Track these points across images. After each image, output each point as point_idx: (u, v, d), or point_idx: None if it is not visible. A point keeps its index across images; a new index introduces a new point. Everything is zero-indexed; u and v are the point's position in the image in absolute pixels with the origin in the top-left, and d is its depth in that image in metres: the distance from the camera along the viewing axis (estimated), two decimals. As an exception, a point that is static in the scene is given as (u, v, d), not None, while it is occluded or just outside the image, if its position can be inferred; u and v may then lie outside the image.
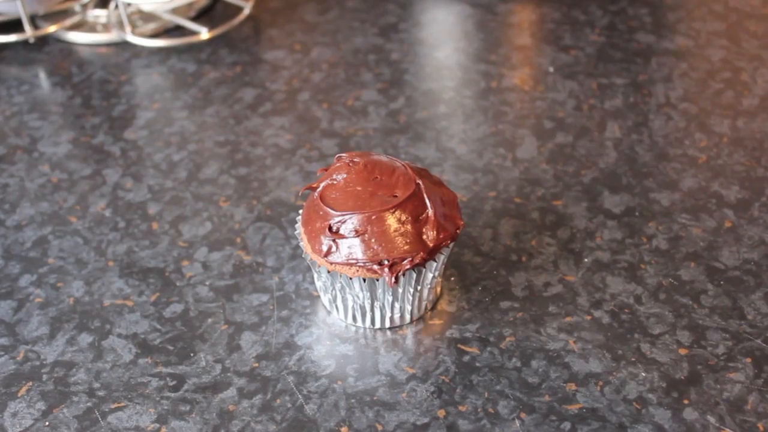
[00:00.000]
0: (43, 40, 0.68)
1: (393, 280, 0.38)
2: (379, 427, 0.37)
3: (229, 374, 0.40)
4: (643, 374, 0.39)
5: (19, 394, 0.39)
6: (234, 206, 0.50)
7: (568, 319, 0.42)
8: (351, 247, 0.38)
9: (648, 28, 0.67)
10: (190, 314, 0.43)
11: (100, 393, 0.39)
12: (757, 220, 0.47)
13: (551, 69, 0.62)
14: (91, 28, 0.68)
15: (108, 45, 0.67)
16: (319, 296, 0.44)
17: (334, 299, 0.41)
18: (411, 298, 0.40)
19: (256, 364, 0.40)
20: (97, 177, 0.53)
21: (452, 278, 0.45)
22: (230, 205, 0.50)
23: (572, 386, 0.39)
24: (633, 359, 0.40)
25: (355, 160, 0.40)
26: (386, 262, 0.38)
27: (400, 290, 0.40)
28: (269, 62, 0.65)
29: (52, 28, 0.67)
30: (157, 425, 0.38)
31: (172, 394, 0.39)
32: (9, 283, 0.45)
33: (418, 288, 0.40)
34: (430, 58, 0.65)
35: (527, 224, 0.48)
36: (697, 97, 0.58)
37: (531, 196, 0.50)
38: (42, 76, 0.64)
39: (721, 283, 0.44)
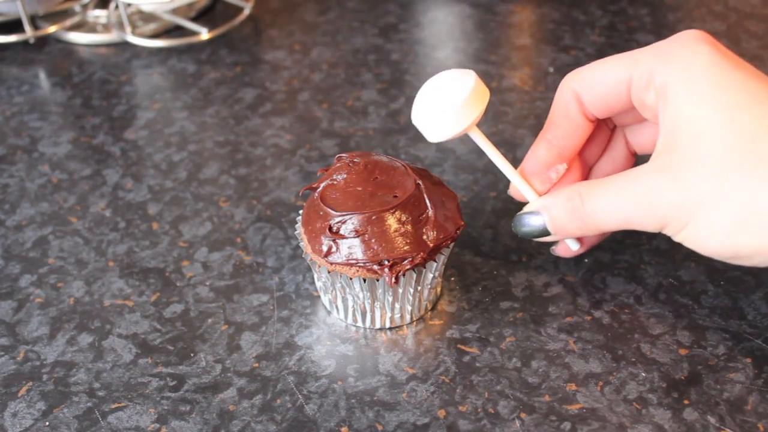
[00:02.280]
0: (43, 41, 0.68)
1: (393, 280, 0.38)
2: (380, 427, 0.37)
3: (229, 374, 0.40)
4: (643, 374, 0.39)
5: (19, 394, 0.39)
6: (234, 206, 0.50)
7: (568, 319, 0.42)
8: (351, 248, 0.38)
9: (648, 28, 0.67)
10: (190, 314, 0.43)
11: (100, 393, 0.39)
12: (757, 220, 0.47)
13: (551, 69, 0.62)
14: (91, 28, 0.68)
15: (108, 45, 0.67)
16: (319, 296, 0.44)
17: (335, 299, 0.41)
18: (411, 298, 0.40)
19: (256, 364, 0.40)
20: (98, 177, 0.53)
21: (452, 278, 0.45)
22: (230, 206, 0.50)
23: (572, 386, 0.39)
24: (633, 359, 0.40)
25: (356, 160, 0.40)
26: (386, 263, 0.38)
27: (400, 290, 0.40)
28: (269, 62, 0.65)
29: (52, 29, 0.67)
30: (157, 425, 0.38)
31: (173, 394, 0.39)
32: (9, 283, 0.45)
33: (419, 288, 0.40)
34: (430, 58, 0.65)
35: (527, 224, 0.48)
36: (697, 97, 0.58)
37: (531, 196, 0.50)
38: (42, 76, 0.64)
39: (721, 283, 0.44)
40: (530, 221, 0.39)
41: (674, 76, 0.35)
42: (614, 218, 0.36)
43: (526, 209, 0.40)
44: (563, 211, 0.38)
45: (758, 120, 0.33)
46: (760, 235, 0.33)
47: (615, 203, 0.36)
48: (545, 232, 0.39)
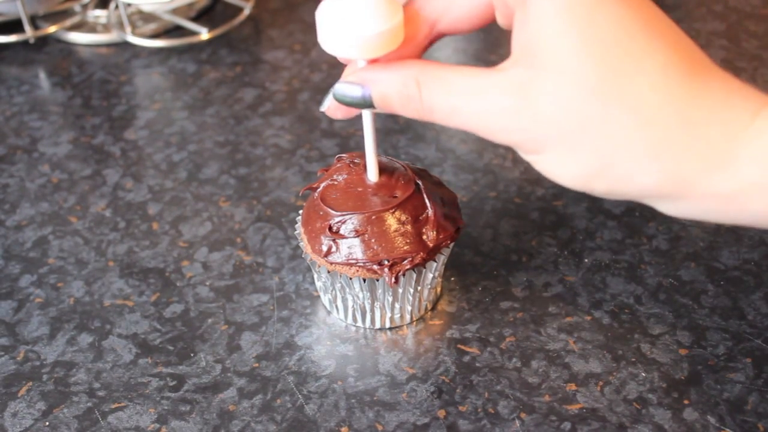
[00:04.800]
0: (43, 41, 0.68)
1: (393, 280, 0.38)
2: (379, 427, 0.37)
3: (229, 374, 0.40)
4: (643, 374, 0.39)
5: (19, 394, 0.39)
6: (234, 206, 0.50)
7: (568, 319, 0.42)
8: (351, 247, 0.38)
9: (648, 28, 0.67)
10: (190, 314, 0.43)
11: (100, 393, 0.39)
12: (757, 220, 0.47)
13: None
14: (91, 28, 0.68)
15: (108, 45, 0.67)
16: (319, 296, 0.44)
17: (334, 299, 0.41)
18: (411, 298, 0.40)
19: (257, 364, 0.40)
20: (97, 177, 0.53)
21: (452, 278, 0.45)
22: (230, 205, 0.50)
23: (572, 386, 0.39)
24: (633, 359, 0.40)
25: (356, 160, 0.40)
26: (386, 262, 0.38)
27: (400, 290, 0.40)
28: (269, 62, 0.65)
29: (52, 29, 0.67)
30: (157, 425, 0.38)
31: (172, 394, 0.39)
32: (9, 283, 0.45)
33: (418, 288, 0.40)
34: (430, 58, 0.65)
35: (527, 224, 0.48)
36: (697, 97, 0.58)
37: (531, 196, 0.50)
38: (42, 76, 0.64)
39: (721, 283, 0.44)
40: (351, 92, 0.34)
41: None
42: (457, 123, 0.32)
43: (348, 77, 0.34)
44: (396, 96, 0.33)
45: (629, 57, 0.29)
46: (614, 182, 0.31)
47: (459, 109, 0.32)
48: (370, 106, 0.34)
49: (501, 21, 0.34)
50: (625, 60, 0.29)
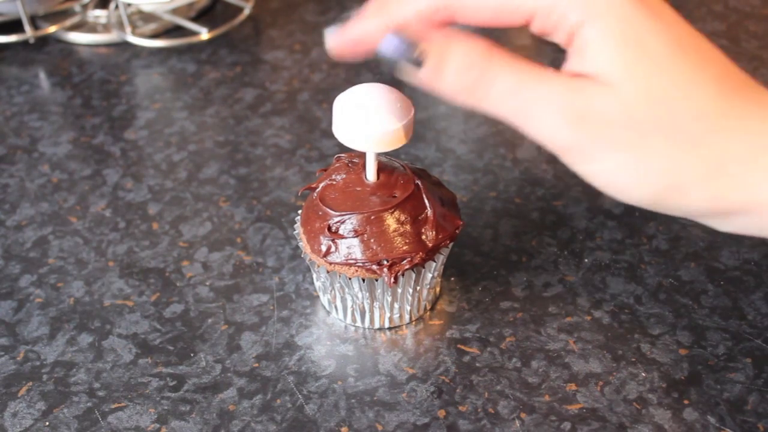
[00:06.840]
0: (43, 41, 0.68)
1: (392, 280, 0.38)
2: (379, 427, 0.37)
3: (229, 374, 0.40)
4: (643, 374, 0.39)
5: (19, 394, 0.39)
6: (234, 206, 0.50)
7: (568, 319, 0.42)
8: (350, 247, 0.38)
9: (648, 28, 0.67)
10: (190, 314, 0.43)
11: (100, 393, 0.39)
12: (757, 220, 0.47)
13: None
14: (91, 28, 0.68)
15: (108, 45, 0.67)
16: (318, 296, 0.44)
17: (334, 299, 0.41)
18: (410, 298, 0.40)
19: (256, 364, 0.40)
20: (97, 177, 0.53)
21: (452, 278, 0.45)
22: (230, 205, 0.50)
23: (572, 386, 0.39)
24: (633, 359, 0.40)
25: (354, 160, 0.40)
26: (385, 262, 0.38)
27: (399, 290, 0.40)
28: (269, 62, 0.65)
29: (52, 29, 0.67)
30: (157, 425, 0.38)
31: (172, 394, 0.39)
32: (9, 283, 0.45)
33: (417, 288, 0.40)
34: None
35: (527, 224, 0.48)
36: (697, 97, 0.58)
37: (531, 196, 0.50)
38: (42, 76, 0.64)
39: (721, 283, 0.44)
40: (401, 48, 0.32)
41: (597, 23, 0.31)
42: (511, 113, 0.32)
43: (403, 32, 0.32)
44: (455, 71, 0.31)
45: (686, 70, 0.30)
46: (681, 197, 0.31)
47: (526, 102, 0.31)
48: (417, 63, 0.32)
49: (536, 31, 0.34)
50: (683, 72, 0.30)
